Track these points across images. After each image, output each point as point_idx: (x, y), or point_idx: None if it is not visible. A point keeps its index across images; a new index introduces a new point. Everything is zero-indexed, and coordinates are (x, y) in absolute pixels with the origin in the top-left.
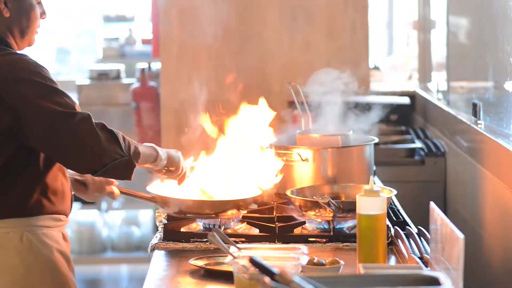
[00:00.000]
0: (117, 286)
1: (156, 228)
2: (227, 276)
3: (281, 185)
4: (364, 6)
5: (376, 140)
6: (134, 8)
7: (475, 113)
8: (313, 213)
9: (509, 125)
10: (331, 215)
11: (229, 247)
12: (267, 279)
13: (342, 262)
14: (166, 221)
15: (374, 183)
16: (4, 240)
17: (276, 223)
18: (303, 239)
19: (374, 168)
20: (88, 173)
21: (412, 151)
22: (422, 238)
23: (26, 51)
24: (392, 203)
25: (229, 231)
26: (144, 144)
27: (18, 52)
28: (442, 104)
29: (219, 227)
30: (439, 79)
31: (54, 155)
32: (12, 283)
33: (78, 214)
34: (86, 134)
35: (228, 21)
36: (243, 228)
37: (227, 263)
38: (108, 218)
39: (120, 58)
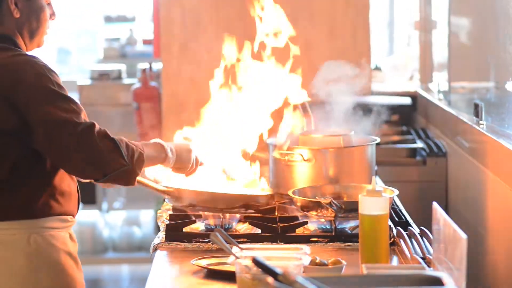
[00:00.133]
0: (118, 286)
1: (157, 228)
2: (229, 276)
3: (283, 185)
4: (365, 6)
5: (378, 140)
6: (135, 8)
7: (476, 113)
8: (315, 213)
9: (510, 125)
10: (333, 215)
11: (231, 247)
12: (270, 279)
13: (344, 262)
14: (168, 221)
15: (376, 183)
16: (11, 241)
17: (278, 223)
18: (305, 239)
19: (376, 168)
20: (90, 179)
21: (414, 151)
22: (424, 239)
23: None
24: (394, 204)
25: (231, 231)
26: (152, 141)
27: (28, 53)
28: (443, 105)
29: (221, 227)
30: (440, 80)
31: (55, 162)
32: (19, 284)
33: (79, 214)
34: (87, 144)
35: (229, 21)
36: (245, 228)
37: (229, 263)
38: (109, 218)
39: (121, 58)
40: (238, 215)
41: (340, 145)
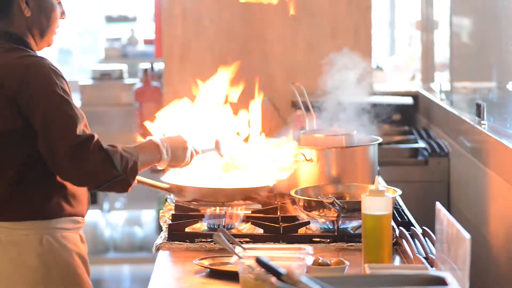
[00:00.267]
0: (120, 286)
1: (159, 228)
2: (232, 276)
3: (286, 185)
4: (368, 7)
5: (380, 140)
6: (137, 8)
7: (478, 113)
8: (317, 213)
9: None
10: (336, 215)
11: (234, 247)
12: (274, 279)
13: (347, 262)
14: (170, 221)
15: (379, 183)
16: (24, 242)
17: (281, 223)
18: (307, 239)
19: (378, 168)
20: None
21: (416, 151)
22: (426, 239)
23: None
24: (397, 204)
25: (233, 231)
26: (147, 139)
27: (38, 55)
28: (445, 105)
29: (224, 227)
30: (442, 79)
31: (50, 169)
32: (31, 285)
33: None
34: (82, 158)
35: (231, 21)
36: (247, 228)
37: (232, 263)
38: (111, 218)
39: (123, 58)
40: (241, 215)
41: (342, 145)
